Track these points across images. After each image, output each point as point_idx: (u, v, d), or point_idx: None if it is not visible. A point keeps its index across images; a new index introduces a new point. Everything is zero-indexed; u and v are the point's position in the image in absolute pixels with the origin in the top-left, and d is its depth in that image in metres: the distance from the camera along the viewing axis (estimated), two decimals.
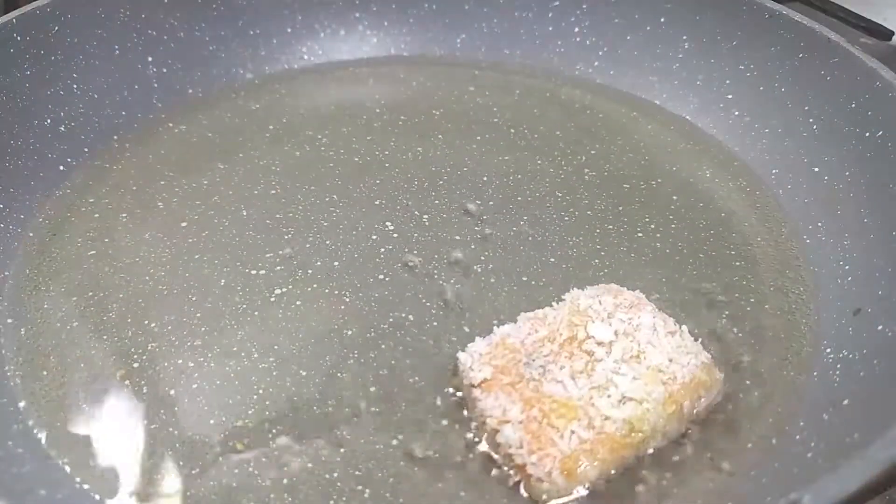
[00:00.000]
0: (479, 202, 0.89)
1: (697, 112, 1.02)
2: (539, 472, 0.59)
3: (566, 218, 0.87)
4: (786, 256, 0.83)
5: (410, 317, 0.76)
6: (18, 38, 0.90)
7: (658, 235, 0.85)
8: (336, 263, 0.81)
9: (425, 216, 0.87)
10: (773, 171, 0.93)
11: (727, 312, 0.77)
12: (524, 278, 0.80)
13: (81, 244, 0.84)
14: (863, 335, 0.71)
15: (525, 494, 0.61)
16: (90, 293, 0.78)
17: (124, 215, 0.88)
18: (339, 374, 0.71)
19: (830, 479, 0.50)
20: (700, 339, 0.69)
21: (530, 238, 0.85)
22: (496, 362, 0.66)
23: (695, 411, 0.65)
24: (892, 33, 1.17)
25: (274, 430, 0.66)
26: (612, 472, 0.62)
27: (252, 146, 0.98)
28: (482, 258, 0.82)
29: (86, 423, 0.67)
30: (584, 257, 0.83)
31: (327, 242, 0.82)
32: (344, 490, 0.62)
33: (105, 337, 0.74)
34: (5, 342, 0.74)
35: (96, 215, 0.88)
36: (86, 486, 0.63)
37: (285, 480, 0.63)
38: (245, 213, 0.88)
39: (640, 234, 0.85)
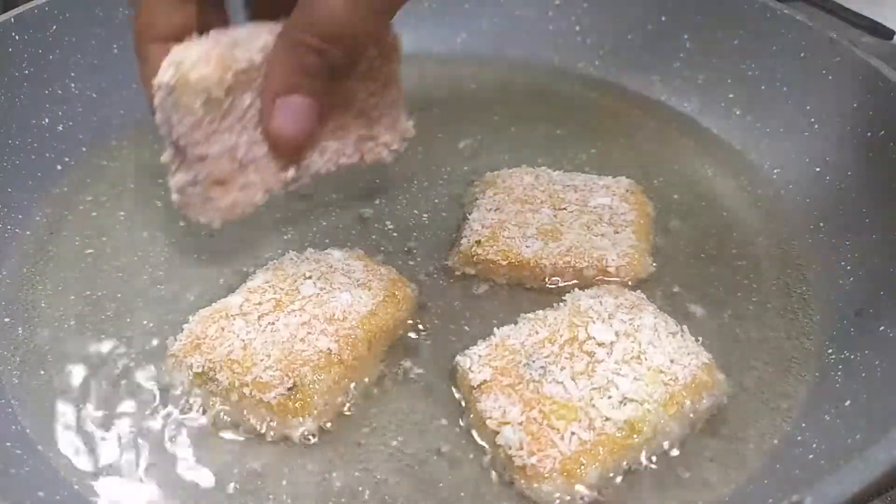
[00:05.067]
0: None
1: (699, 111, 1.02)
2: (539, 474, 0.59)
3: None
4: (787, 256, 0.83)
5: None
6: (17, 38, 0.90)
7: (659, 234, 0.84)
8: None
9: (425, 215, 0.87)
10: (775, 171, 0.92)
11: (729, 312, 0.77)
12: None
13: (79, 243, 0.84)
14: (864, 336, 0.71)
15: (525, 495, 0.61)
16: (88, 292, 0.78)
17: (122, 214, 0.87)
18: None
19: (832, 480, 0.50)
20: (701, 340, 0.69)
21: None
22: (496, 364, 0.65)
23: (696, 412, 0.65)
24: (893, 33, 1.17)
25: None
26: (613, 473, 0.61)
27: None
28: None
29: (84, 423, 0.67)
30: None
31: (326, 241, 0.82)
32: (344, 490, 0.62)
33: (102, 336, 0.74)
34: (2, 341, 0.73)
35: (94, 214, 0.87)
36: (83, 487, 0.62)
37: (285, 482, 0.63)
38: None
39: None
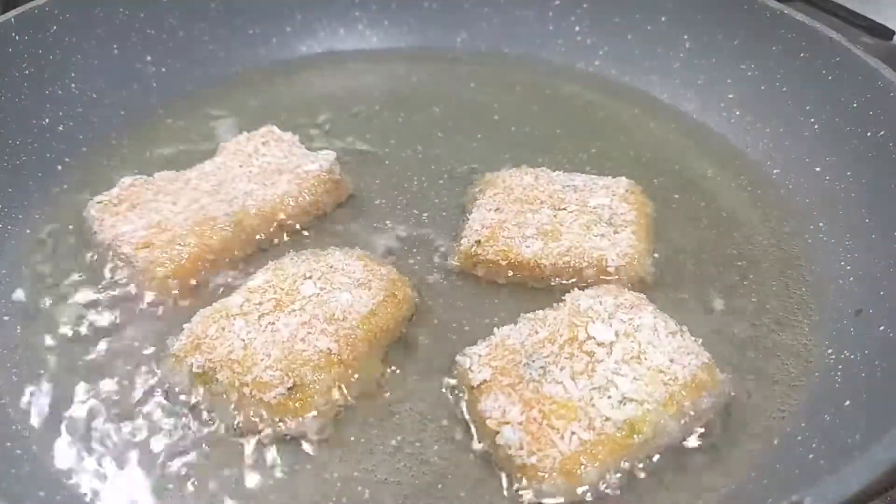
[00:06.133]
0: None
1: (699, 111, 1.02)
2: (539, 474, 0.59)
3: None
4: (787, 256, 0.83)
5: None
6: (17, 38, 0.90)
7: (659, 234, 0.84)
8: None
9: (424, 214, 0.87)
10: (775, 171, 0.92)
11: (729, 312, 0.77)
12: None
13: (79, 243, 0.83)
14: (864, 336, 0.71)
15: (525, 495, 0.61)
16: (88, 291, 0.78)
17: None
18: None
19: (832, 480, 0.50)
20: (701, 339, 0.68)
21: None
22: (496, 363, 0.65)
23: (696, 412, 0.65)
24: (893, 33, 1.17)
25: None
26: (613, 472, 0.61)
27: None
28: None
29: (84, 423, 0.67)
30: None
31: (326, 240, 0.82)
32: (344, 490, 0.62)
33: (102, 335, 0.74)
34: (2, 341, 0.73)
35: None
36: (83, 488, 0.62)
37: (285, 482, 0.63)
38: None
39: None
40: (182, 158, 0.92)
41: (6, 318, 0.76)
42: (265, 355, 0.65)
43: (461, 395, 0.68)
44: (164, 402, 0.68)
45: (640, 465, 0.63)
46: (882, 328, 0.70)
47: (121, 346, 0.73)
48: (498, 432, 0.61)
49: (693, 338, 0.68)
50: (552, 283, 0.77)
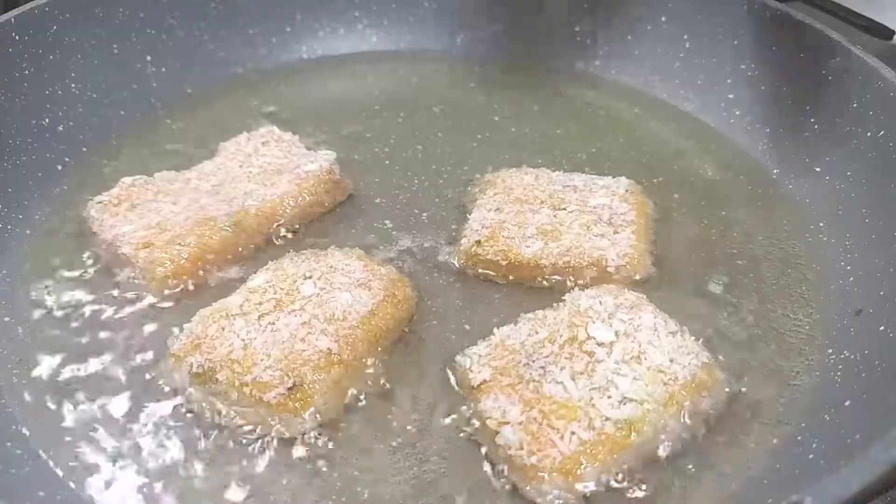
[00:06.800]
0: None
1: (699, 111, 1.02)
2: (539, 474, 0.59)
3: None
4: (787, 256, 0.83)
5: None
6: (17, 38, 0.90)
7: (659, 234, 0.84)
8: None
9: (424, 214, 0.87)
10: (775, 171, 0.92)
11: (729, 312, 0.77)
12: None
13: (79, 243, 0.83)
14: (864, 336, 0.71)
15: (525, 495, 0.61)
16: (87, 292, 0.78)
17: None
18: None
19: (832, 480, 0.50)
20: (701, 339, 0.68)
21: None
22: (496, 363, 0.65)
23: (696, 412, 0.65)
24: (893, 33, 1.17)
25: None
26: (613, 472, 0.61)
27: None
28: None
29: (84, 424, 0.67)
30: None
31: (326, 240, 0.82)
32: (344, 490, 0.62)
33: (102, 336, 0.74)
34: (2, 341, 0.73)
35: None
36: (83, 487, 0.62)
37: (284, 481, 0.63)
38: None
39: None
40: (182, 158, 0.92)
41: (6, 318, 0.76)
42: (265, 355, 0.65)
43: (461, 395, 0.68)
44: (164, 402, 0.68)
45: (640, 465, 0.62)
46: (882, 328, 0.70)
47: (121, 346, 0.73)
48: (498, 432, 0.61)
49: (693, 338, 0.68)
50: (552, 283, 0.77)
